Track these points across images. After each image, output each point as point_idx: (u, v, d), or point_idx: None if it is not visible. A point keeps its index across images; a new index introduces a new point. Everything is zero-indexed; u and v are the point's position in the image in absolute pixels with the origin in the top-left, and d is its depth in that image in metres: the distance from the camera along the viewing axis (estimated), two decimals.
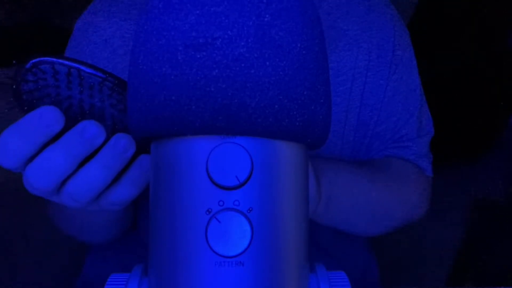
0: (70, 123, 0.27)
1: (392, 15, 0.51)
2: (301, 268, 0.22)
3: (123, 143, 0.26)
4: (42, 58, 0.26)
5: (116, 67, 0.47)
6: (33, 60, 0.26)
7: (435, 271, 1.20)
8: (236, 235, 0.19)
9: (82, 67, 0.27)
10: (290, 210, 0.21)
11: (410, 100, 0.51)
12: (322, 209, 0.39)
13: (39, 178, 0.26)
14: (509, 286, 0.47)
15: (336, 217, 0.42)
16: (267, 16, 0.19)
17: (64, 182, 0.27)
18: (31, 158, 0.26)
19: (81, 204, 0.28)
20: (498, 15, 1.37)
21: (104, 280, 0.23)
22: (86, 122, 0.26)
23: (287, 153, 0.21)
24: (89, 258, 0.57)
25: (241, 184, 0.20)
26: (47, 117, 0.25)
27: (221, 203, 0.20)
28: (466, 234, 1.27)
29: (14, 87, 0.26)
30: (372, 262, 0.59)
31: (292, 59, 0.20)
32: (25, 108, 0.26)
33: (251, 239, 0.19)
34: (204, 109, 0.19)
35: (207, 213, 0.19)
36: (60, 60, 0.26)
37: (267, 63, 0.19)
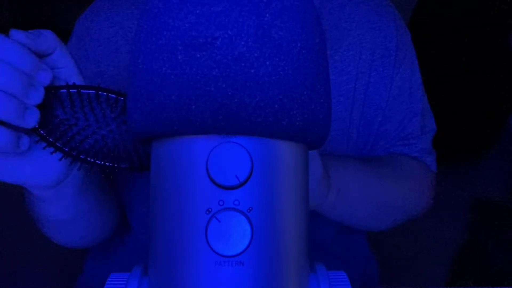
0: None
1: (394, 15, 0.51)
2: (301, 267, 0.22)
3: None
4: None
5: (119, 65, 0.48)
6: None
7: (435, 271, 1.20)
8: (236, 235, 0.19)
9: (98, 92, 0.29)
10: (290, 210, 0.21)
11: (413, 99, 0.52)
12: (333, 201, 0.39)
13: None
14: (509, 286, 0.47)
15: (345, 209, 0.43)
16: (267, 15, 0.19)
17: None
18: None
19: None
20: (498, 14, 1.37)
21: (104, 280, 0.23)
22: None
23: (287, 152, 0.21)
24: (89, 258, 0.57)
25: (241, 184, 0.20)
26: None
27: (221, 202, 0.20)
28: (466, 233, 1.27)
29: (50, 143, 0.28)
30: (372, 261, 0.59)
31: (292, 59, 0.20)
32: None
33: (251, 238, 0.19)
34: (204, 109, 0.19)
35: (207, 212, 0.19)
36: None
37: (267, 62, 0.19)
